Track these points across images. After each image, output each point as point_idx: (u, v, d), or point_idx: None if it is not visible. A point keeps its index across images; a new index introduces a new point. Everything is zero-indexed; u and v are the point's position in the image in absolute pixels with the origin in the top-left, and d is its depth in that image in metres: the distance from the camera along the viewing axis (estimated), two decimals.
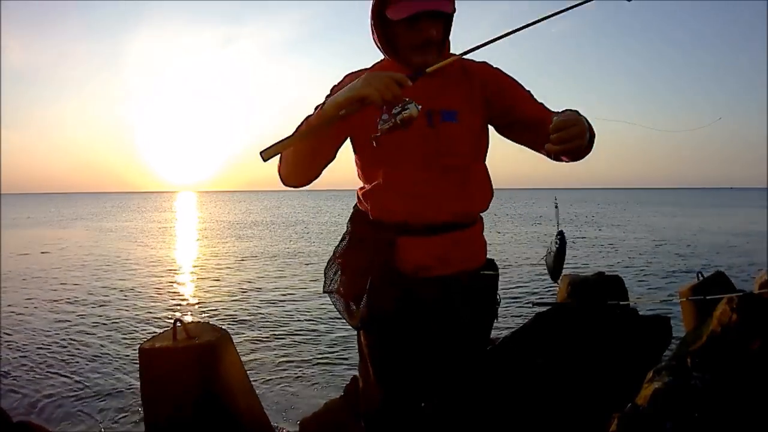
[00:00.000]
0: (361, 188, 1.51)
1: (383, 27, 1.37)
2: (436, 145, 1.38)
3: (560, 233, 1.47)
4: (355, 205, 1.55)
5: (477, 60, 1.45)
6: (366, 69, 1.45)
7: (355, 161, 1.51)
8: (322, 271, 1.60)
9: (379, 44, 1.42)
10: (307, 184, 1.45)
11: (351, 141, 1.47)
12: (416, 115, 1.24)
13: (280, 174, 1.43)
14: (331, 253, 1.58)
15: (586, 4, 1.33)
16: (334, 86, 1.43)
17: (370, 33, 1.42)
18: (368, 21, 1.41)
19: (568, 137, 1.19)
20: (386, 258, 1.41)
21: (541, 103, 1.46)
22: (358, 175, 1.52)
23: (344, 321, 1.51)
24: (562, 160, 1.34)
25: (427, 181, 1.39)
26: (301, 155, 1.38)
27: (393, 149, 1.38)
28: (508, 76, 1.47)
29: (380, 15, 1.36)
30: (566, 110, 1.25)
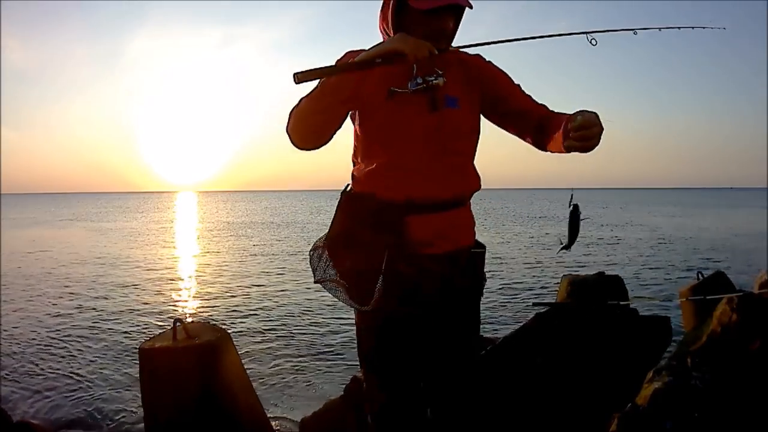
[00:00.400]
0: (359, 169, 1.51)
1: (400, 14, 1.42)
2: (439, 129, 1.44)
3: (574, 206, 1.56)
4: (346, 189, 1.54)
5: (470, 53, 1.53)
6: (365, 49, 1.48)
7: (356, 135, 1.51)
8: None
9: (390, 29, 1.44)
10: (317, 146, 1.45)
11: (357, 115, 1.48)
12: (442, 85, 1.40)
13: (291, 136, 1.42)
14: (317, 244, 1.57)
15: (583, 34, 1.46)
16: (339, 60, 1.45)
17: (380, 19, 1.46)
18: (378, 9, 1.46)
19: (590, 136, 1.31)
20: (397, 236, 1.42)
21: (529, 95, 1.57)
22: (357, 154, 1.52)
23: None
24: (550, 151, 1.50)
25: (431, 161, 1.44)
26: (316, 111, 1.39)
27: (397, 130, 1.43)
28: (500, 68, 1.57)
29: (400, 2, 1.41)
30: (583, 110, 1.33)
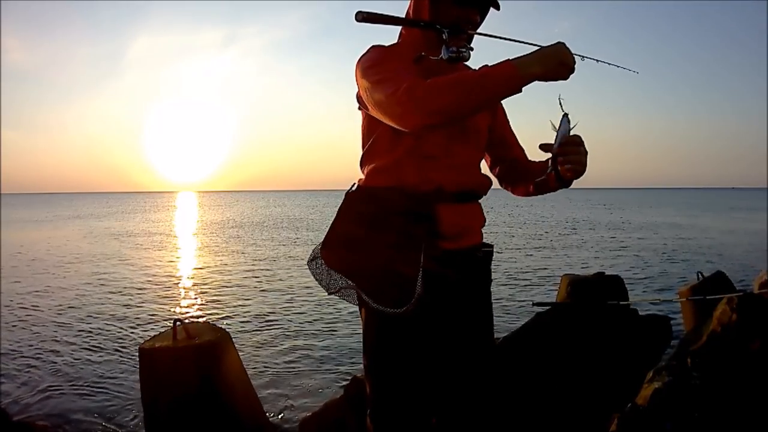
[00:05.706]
0: (378, 162, 1.44)
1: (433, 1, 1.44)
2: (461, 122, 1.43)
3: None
4: (352, 191, 1.48)
5: None
6: (393, 43, 1.48)
7: (373, 128, 1.43)
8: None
9: (421, 14, 1.43)
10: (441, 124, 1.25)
11: None
12: (468, 59, 1.44)
13: (424, 108, 1.18)
14: (316, 254, 1.51)
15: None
16: (369, 56, 1.37)
17: (413, 4, 1.46)
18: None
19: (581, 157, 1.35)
20: (431, 226, 1.38)
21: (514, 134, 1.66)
22: (375, 147, 1.45)
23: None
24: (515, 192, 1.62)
25: (456, 150, 1.44)
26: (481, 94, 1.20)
27: None
28: None
29: None
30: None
